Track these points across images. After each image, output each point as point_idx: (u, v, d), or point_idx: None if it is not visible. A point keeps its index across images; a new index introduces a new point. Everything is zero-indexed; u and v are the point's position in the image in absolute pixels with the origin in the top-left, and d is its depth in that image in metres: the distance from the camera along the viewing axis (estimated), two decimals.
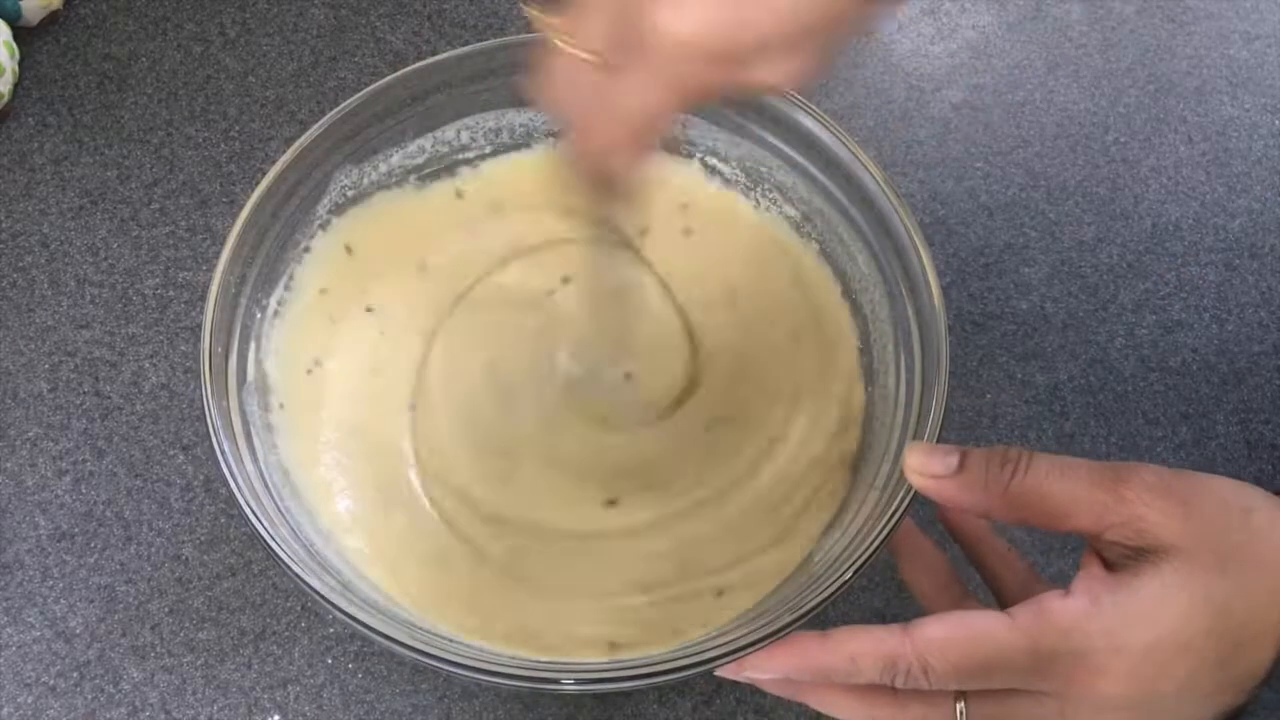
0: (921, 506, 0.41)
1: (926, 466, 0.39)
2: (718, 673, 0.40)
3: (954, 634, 0.36)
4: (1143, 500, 0.36)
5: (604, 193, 0.41)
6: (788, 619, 0.38)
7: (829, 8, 0.34)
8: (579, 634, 0.45)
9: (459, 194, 0.53)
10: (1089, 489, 0.37)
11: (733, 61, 0.34)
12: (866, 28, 0.37)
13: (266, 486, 0.43)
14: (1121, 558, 0.37)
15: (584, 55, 0.36)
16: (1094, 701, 0.36)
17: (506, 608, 0.45)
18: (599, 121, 0.37)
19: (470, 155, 0.52)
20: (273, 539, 0.40)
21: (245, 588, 0.51)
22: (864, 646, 0.37)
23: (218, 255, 0.45)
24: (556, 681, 0.39)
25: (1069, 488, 0.37)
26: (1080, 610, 0.36)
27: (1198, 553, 0.36)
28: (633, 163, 0.38)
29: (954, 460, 0.39)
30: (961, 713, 0.38)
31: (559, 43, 0.36)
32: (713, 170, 0.53)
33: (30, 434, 0.55)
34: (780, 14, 0.33)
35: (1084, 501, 0.37)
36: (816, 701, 0.40)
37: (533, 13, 0.37)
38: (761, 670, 0.39)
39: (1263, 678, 0.36)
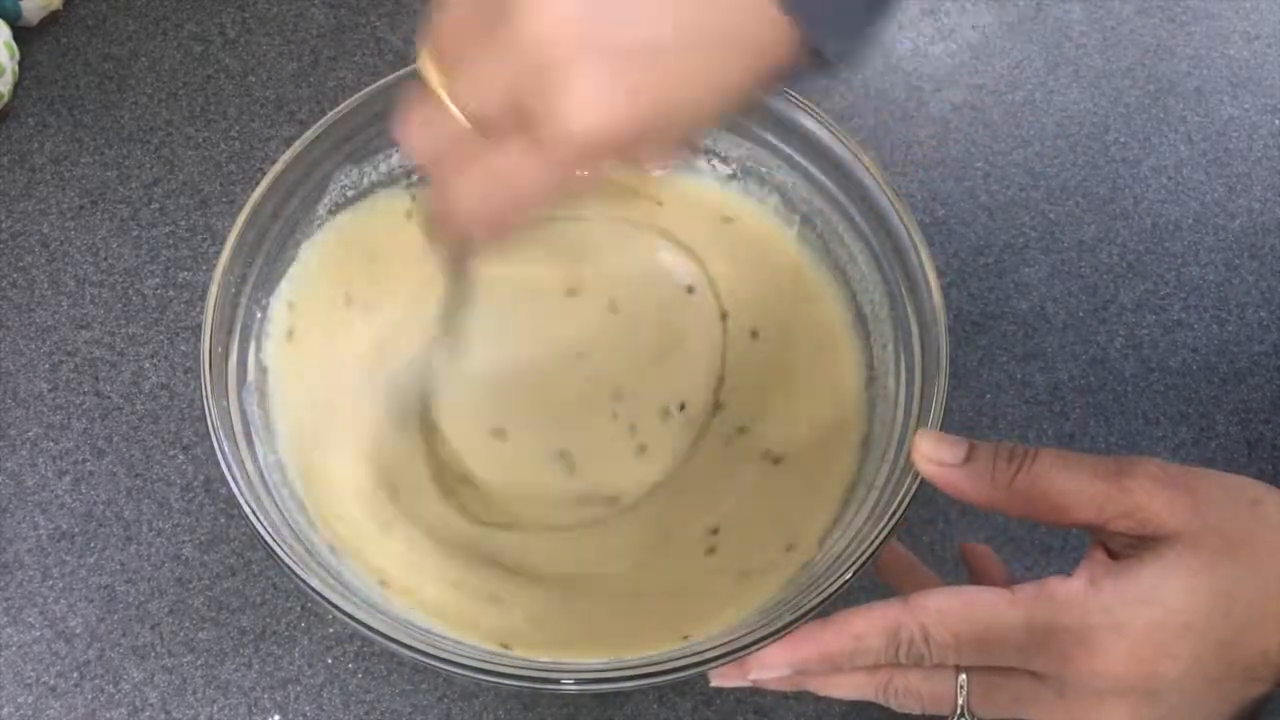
0: (916, 509, 0.41)
1: (936, 453, 0.39)
2: (717, 682, 0.40)
3: (953, 603, 0.37)
4: (1146, 490, 0.36)
5: (455, 248, 0.40)
6: (788, 619, 0.38)
7: (717, 109, 0.34)
8: (578, 632, 0.45)
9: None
10: (1092, 481, 0.37)
11: (625, 152, 0.34)
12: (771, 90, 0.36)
13: (266, 486, 0.43)
14: (1125, 547, 0.37)
15: (462, 119, 0.33)
16: (1094, 685, 0.36)
17: (510, 605, 0.45)
18: (466, 189, 0.35)
19: None
20: (273, 539, 0.40)
21: (245, 588, 0.51)
22: (866, 622, 0.37)
23: (218, 255, 0.45)
24: (556, 681, 0.39)
25: (1072, 481, 0.37)
26: (1079, 589, 0.36)
27: (1202, 538, 0.36)
28: (492, 236, 0.37)
29: (962, 450, 0.39)
30: (963, 685, 0.38)
31: (443, 98, 0.34)
32: (713, 170, 0.53)
33: (30, 434, 0.55)
34: (684, 109, 0.33)
35: (1087, 494, 0.37)
36: (820, 685, 0.40)
37: (425, 62, 0.34)
38: (768, 668, 0.39)
39: None
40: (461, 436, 0.48)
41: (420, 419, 0.49)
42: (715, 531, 0.47)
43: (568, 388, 0.49)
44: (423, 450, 0.48)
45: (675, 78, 0.32)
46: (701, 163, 0.53)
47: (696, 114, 0.34)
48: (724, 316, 0.51)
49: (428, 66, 0.34)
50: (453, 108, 0.34)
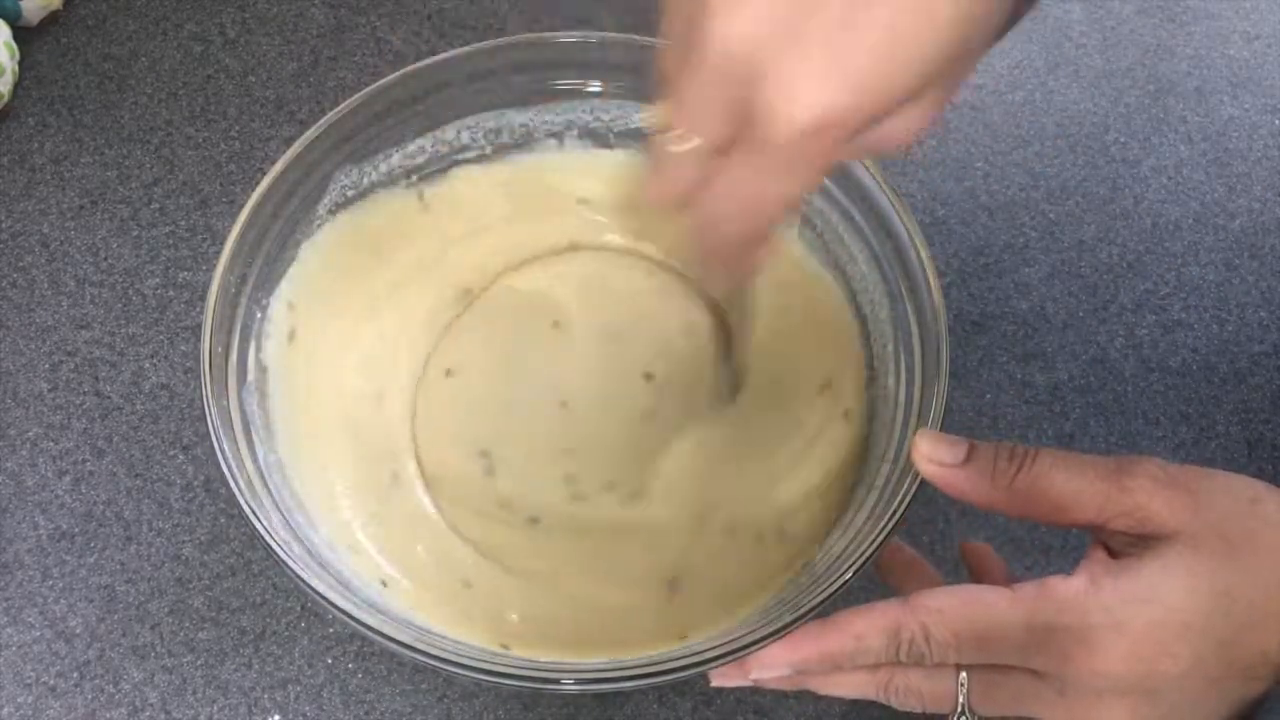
0: (916, 509, 0.41)
1: (935, 453, 0.39)
2: (717, 682, 0.40)
3: (954, 602, 0.37)
4: (1146, 490, 0.36)
5: (725, 278, 0.41)
6: (788, 619, 0.38)
7: (966, 40, 0.31)
8: (577, 632, 0.45)
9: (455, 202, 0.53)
10: (1092, 481, 0.37)
11: (860, 131, 0.31)
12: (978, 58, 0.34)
13: (266, 486, 0.43)
14: (1126, 546, 0.37)
15: (692, 146, 0.33)
16: (1094, 684, 0.36)
17: (508, 605, 0.45)
18: (721, 216, 0.34)
19: (471, 155, 0.52)
20: (273, 539, 0.40)
21: (245, 588, 0.51)
22: (867, 621, 0.37)
23: (218, 255, 0.45)
24: (556, 681, 0.39)
25: (1073, 481, 0.37)
26: (1080, 588, 0.36)
27: (1202, 537, 0.36)
28: (758, 252, 0.36)
29: (962, 450, 0.39)
30: (963, 683, 0.38)
31: (671, 145, 0.33)
32: None
33: (30, 434, 0.55)
34: (908, 70, 0.30)
35: (1087, 494, 0.37)
36: (820, 684, 0.40)
37: (650, 115, 0.34)
38: (769, 668, 0.39)
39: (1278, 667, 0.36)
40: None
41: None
42: (713, 530, 0.47)
43: (552, 419, 0.49)
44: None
45: (883, 35, 0.30)
46: None
47: (920, 68, 0.31)
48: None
49: (653, 118, 0.34)
50: (682, 144, 0.33)
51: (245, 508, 0.41)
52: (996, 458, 0.38)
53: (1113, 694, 0.36)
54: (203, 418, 0.42)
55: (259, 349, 0.47)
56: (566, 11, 0.55)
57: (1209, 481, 0.37)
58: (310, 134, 0.48)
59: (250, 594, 0.51)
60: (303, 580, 0.39)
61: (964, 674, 0.38)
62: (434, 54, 0.49)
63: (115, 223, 0.60)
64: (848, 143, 0.31)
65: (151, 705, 0.49)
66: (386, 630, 0.39)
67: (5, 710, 0.49)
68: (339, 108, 0.48)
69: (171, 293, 0.58)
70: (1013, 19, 0.34)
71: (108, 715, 0.49)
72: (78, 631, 0.50)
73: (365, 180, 0.51)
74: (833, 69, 0.30)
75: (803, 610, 0.38)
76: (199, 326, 0.45)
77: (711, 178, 0.33)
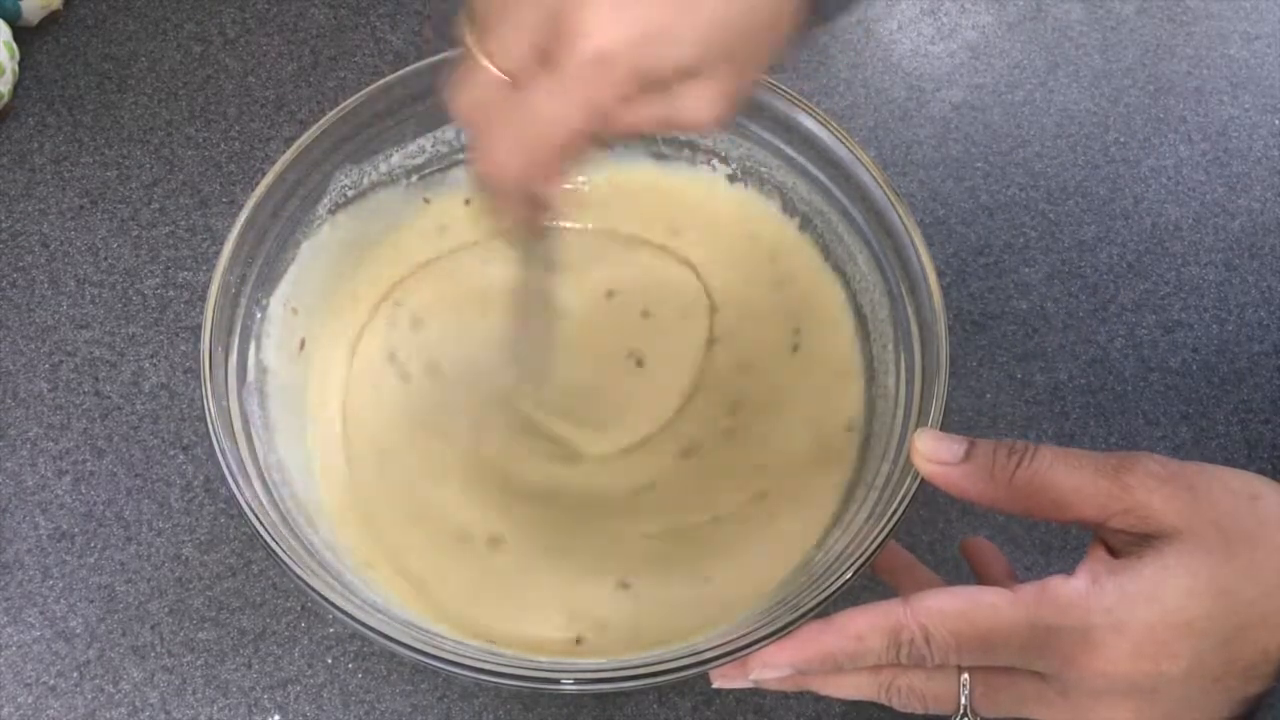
0: (916, 509, 0.41)
1: (935, 452, 0.39)
2: (718, 683, 0.40)
3: (955, 604, 0.37)
4: (1146, 487, 0.36)
5: (516, 210, 0.39)
6: (788, 619, 0.38)
7: (752, 23, 0.34)
8: (576, 633, 0.45)
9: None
10: (1093, 478, 0.37)
11: (652, 82, 0.34)
12: (785, 54, 0.37)
13: (266, 486, 0.43)
14: (1126, 545, 0.37)
15: (497, 71, 0.35)
16: (1096, 685, 0.36)
17: (506, 602, 0.45)
18: (501, 136, 0.36)
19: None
20: (273, 539, 0.40)
21: (245, 588, 0.51)
22: (868, 622, 0.37)
23: (218, 255, 0.45)
24: (556, 682, 0.39)
25: (1073, 477, 0.37)
26: (1081, 588, 0.36)
27: (1202, 536, 0.36)
28: (534, 182, 0.37)
29: (961, 448, 0.39)
30: (965, 684, 0.38)
31: (478, 58, 0.35)
32: (713, 170, 0.53)
33: (30, 434, 0.55)
34: (706, 25, 0.33)
35: (1088, 491, 0.37)
36: (821, 685, 0.40)
37: (463, 23, 0.36)
38: (769, 667, 0.39)
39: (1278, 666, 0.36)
40: None
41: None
42: (713, 530, 0.46)
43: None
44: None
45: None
46: (701, 162, 0.53)
47: (705, 31, 0.34)
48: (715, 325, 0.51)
49: (464, 28, 0.36)
50: (483, 60, 0.35)
51: (245, 508, 0.41)
52: (996, 454, 0.38)
53: (1115, 694, 0.36)
54: (203, 418, 0.42)
55: (259, 349, 0.47)
56: None
57: (1209, 478, 0.37)
58: (310, 134, 0.48)
59: (250, 594, 0.51)
60: (303, 580, 0.39)
61: (965, 675, 0.38)
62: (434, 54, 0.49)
63: (115, 223, 0.60)
64: (638, 92, 0.34)
65: (151, 705, 0.49)
66: (386, 630, 0.39)
67: (5, 710, 0.49)
68: (339, 108, 0.48)
69: (171, 293, 0.58)
70: (812, 22, 0.37)
71: (108, 715, 0.49)
72: (78, 631, 0.50)
73: (365, 180, 0.51)
74: (624, 11, 0.33)
75: (803, 610, 0.38)
76: (199, 326, 0.45)
77: (505, 103, 0.35)
